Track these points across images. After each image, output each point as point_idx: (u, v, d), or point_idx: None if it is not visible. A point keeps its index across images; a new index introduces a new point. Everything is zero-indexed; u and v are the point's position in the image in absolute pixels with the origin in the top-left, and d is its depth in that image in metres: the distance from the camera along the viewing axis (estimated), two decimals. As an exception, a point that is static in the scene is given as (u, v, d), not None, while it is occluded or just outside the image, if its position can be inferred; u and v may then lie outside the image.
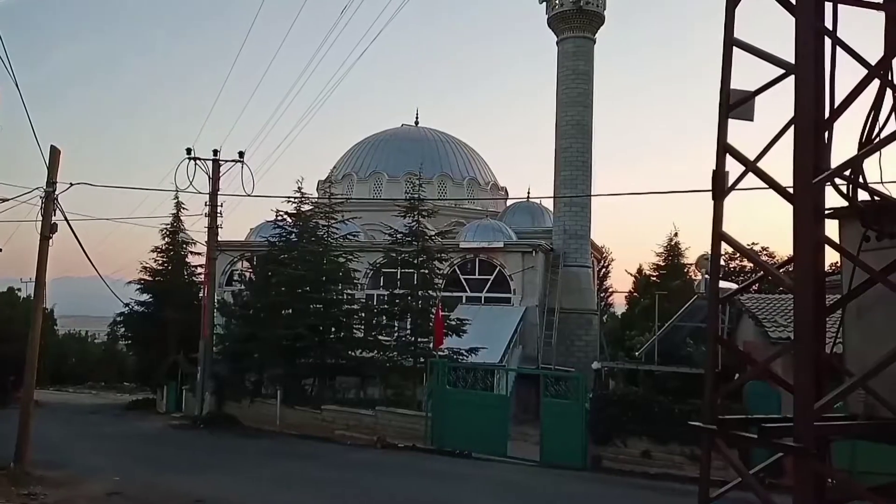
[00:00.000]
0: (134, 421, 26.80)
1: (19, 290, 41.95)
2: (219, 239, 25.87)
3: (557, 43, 31.36)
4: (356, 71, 42.97)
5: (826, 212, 4.84)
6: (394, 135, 40.72)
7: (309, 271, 23.95)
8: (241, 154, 24.14)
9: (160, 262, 35.35)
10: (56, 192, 14.52)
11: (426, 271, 23.67)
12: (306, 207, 26.90)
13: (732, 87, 5.16)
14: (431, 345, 21.25)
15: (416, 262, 23.72)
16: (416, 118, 42.33)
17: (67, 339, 59.62)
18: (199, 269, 33.74)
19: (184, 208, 35.17)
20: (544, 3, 31.43)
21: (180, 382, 30.82)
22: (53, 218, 14.42)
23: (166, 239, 35.53)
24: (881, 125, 4.71)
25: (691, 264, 34.39)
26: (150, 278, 34.97)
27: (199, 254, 34.11)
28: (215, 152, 24.65)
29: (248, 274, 30.46)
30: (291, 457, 16.86)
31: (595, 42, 31.34)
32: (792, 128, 4.64)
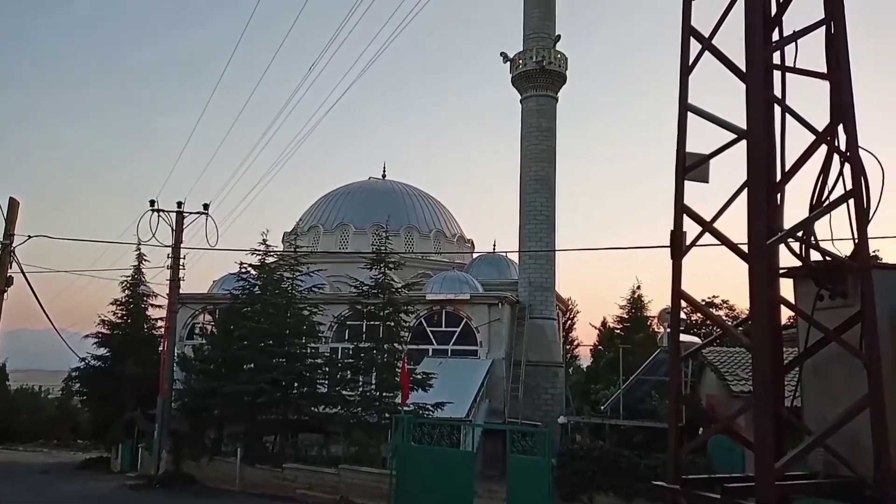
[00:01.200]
0: (87, 481, 25.76)
1: (-30, 343, 40.49)
2: (181, 291, 25.46)
3: (521, 101, 32.10)
4: (324, 124, 43.45)
5: (781, 271, 4.96)
6: (361, 187, 40.91)
7: (272, 324, 23.64)
8: (206, 206, 24.04)
9: (119, 314, 34.55)
10: (13, 245, 14.23)
11: (392, 323, 23.51)
12: (271, 259, 26.70)
13: (689, 149, 5.31)
14: (397, 399, 20.96)
15: (381, 314, 23.56)
16: (384, 171, 42.78)
17: (19, 395, 57.31)
18: (160, 322, 33.02)
19: (146, 260, 34.68)
20: (508, 63, 32.27)
21: (136, 440, 29.83)
22: (9, 271, 14.09)
23: (126, 291, 34.80)
24: (830, 188, 4.87)
25: (654, 317, 34.81)
26: (108, 331, 34.08)
27: (159, 306, 33.47)
28: (179, 204, 24.49)
29: (209, 327, 29.89)
30: (251, 518, 16.34)
31: (557, 100, 32.17)
32: (746, 190, 4.78)
